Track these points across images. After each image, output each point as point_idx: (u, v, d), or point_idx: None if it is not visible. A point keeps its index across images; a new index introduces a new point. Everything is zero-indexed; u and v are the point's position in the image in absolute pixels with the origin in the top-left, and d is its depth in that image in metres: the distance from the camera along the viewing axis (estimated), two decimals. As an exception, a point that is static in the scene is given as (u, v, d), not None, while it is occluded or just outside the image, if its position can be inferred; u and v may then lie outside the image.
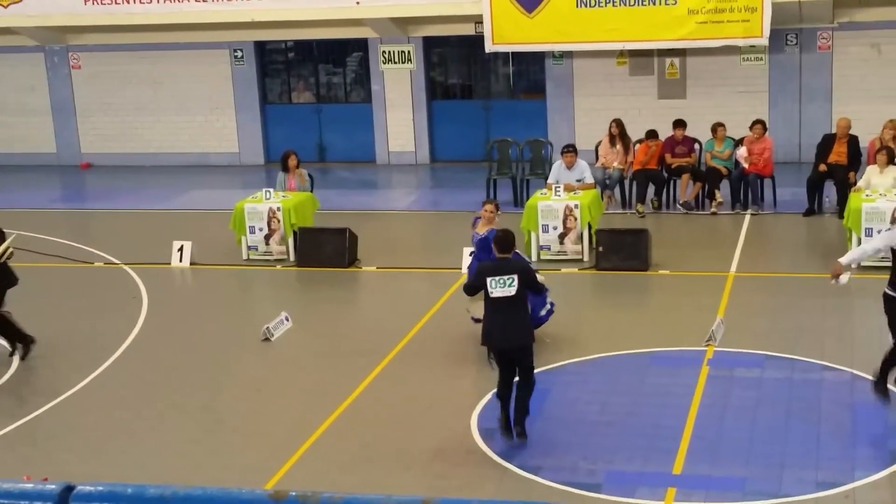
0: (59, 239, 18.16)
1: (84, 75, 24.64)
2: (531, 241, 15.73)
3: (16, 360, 12.65)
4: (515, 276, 9.89)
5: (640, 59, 21.83)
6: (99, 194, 22.39)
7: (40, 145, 25.12)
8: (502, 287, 9.88)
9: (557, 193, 16.00)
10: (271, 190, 16.68)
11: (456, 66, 24.13)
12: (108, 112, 24.66)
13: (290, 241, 16.35)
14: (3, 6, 23.02)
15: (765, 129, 18.26)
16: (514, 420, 10.07)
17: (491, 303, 10.01)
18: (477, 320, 11.41)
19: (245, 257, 16.47)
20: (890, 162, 16.07)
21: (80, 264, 16.81)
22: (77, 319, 14.25)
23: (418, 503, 1.80)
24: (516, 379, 10.14)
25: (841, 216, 15.79)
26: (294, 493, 1.82)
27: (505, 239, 10.21)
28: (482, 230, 12.20)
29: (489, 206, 12.42)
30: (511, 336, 10.00)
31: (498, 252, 10.20)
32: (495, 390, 10.27)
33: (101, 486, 1.87)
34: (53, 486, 1.89)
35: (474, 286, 10.32)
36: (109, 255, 17.06)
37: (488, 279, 9.94)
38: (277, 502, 1.84)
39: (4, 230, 12.65)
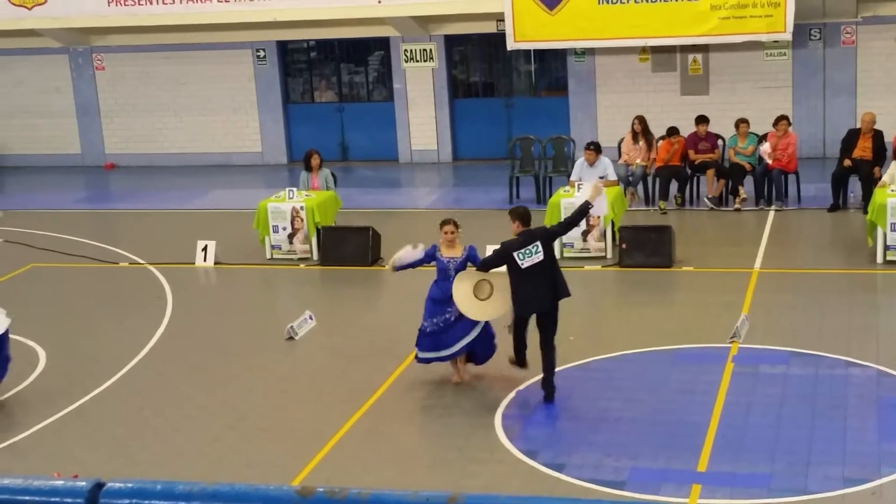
0: (84, 239, 18.27)
1: (108, 76, 24.77)
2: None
3: (42, 359, 12.73)
4: (539, 243, 10.68)
5: (662, 55, 21.78)
6: (123, 195, 22.51)
7: (65, 146, 25.27)
8: (531, 256, 10.65)
9: (580, 191, 15.98)
10: (294, 189, 16.73)
11: (478, 63, 24.13)
12: (131, 113, 24.78)
13: (314, 239, 16.39)
14: (28, 8, 23.17)
15: (789, 124, 18.19)
16: (545, 384, 10.92)
17: (523, 273, 10.66)
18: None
19: (269, 256, 16.53)
20: (915, 157, 15.98)
21: (105, 264, 16.90)
22: (102, 319, 14.32)
23: (445, 499, 1.80)
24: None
25: (866, 211, 15.71)
26: (321, 489, 1.83)
27: (526, 213, 10.96)
28: (456, 253, 11.33)
29: (449, 227, 11.34)
30: (554, 295, 10.81)
31: (522, 225, 10.84)
32: (516, 356, 11.12)
33: (130, 483, 1.90)
34: (84, 483, 1.91)
35: (494, 264, 10.96)
36: (134, 255, 17.15)
37: (515, 254, 10.65)
38: (305, 498, 1.85)
39: None
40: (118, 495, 1.90)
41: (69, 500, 1.88)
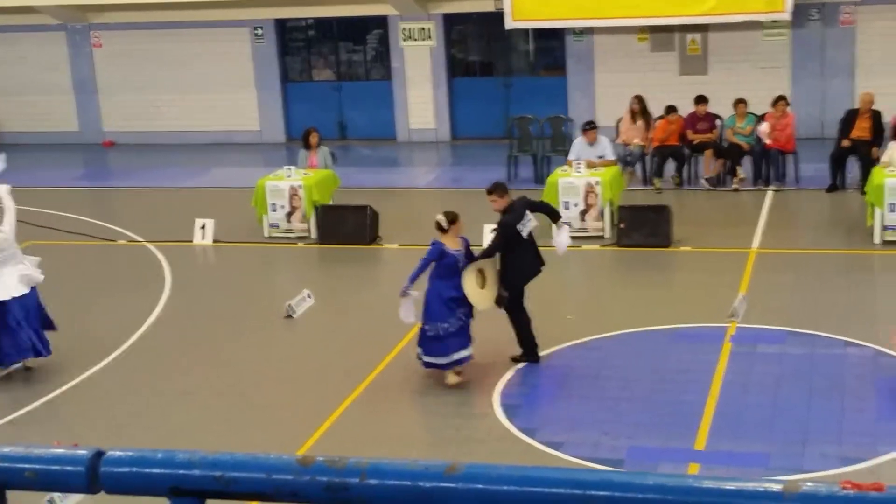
0: (82, 217, 18.25)
1: (105, 54, 24.70)
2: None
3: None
4: (527, 210, 11.06)
5: (661, 34, 21.71)
6: (121, 172, 22.48)
7: (63, 124, 25.21)
8: (527, 225, 11.02)
9: (578, 170, 15.97)
10: (293, 168, 16.71)
11: (476, 42, 24.06)
12: (129, 90, 24.72)
13: (312, 218, 16.37)
14: (25, -15, 23.08)
15: (787, 104, 18.16)
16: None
17: (524, 243, 11.01)
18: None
19: (267, 235, 16.52)
20: (914, 137, 15.96)
21: (103, 242, 16.89)
22: (100, 297, 14.33)
23: (444, 468, 1.81)
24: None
25: (864, 192, 15.71)
26: (321, 458, 1.84)
27: (504, 183, 11.49)
28: (457, 245, 10.86)
29: (460, 220, 10.95)
30: (541, 259, 11.25)
31: (508, 196, 11.15)
32: (532, 351, 11.17)
33: (130, 451, 1.90)
34: (84, 451, 1.91)
35: (502, 244, 11.02)
36: (132, 233, 17.14)
37: (518, 226, 10.92)
38: (305, 467, 1.85)
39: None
40: (118, 463, 1.90)
41: (70, 467, 1.89)
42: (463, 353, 10.77)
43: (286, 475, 1.90)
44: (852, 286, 13.31)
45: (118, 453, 1.91)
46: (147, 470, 1.88)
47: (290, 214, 16.42)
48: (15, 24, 24.49)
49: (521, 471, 1.89)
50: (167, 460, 1.88)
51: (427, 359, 10.84)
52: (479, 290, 10.90)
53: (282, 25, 24.11)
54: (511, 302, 11.04)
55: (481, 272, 10.93)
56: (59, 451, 1.93)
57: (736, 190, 17.86)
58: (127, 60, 24.55)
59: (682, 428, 9.71)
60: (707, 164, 18.30)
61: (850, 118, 17.70)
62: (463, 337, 10.75)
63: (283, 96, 24.25)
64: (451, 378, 10.87)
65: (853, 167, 17.58)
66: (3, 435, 10.23)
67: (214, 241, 16.46)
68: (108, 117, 25.02)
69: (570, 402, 10.49)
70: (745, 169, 18.03)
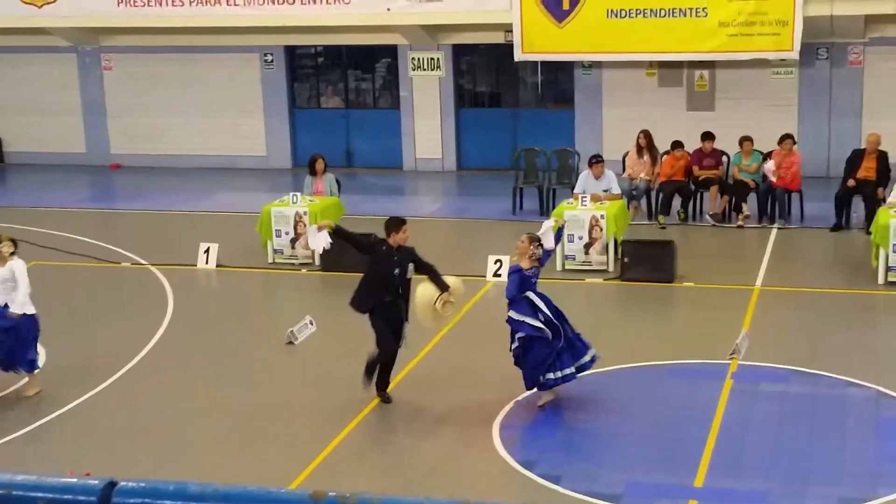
0: (86, 238, 18.28)
1: (115, 76, 24.80)
2: (556, 250, 15.72)
3: (42, 357, 12.72)
4: None
5: (669, 70, 21.81)
6: (127, 195, 22.53)
7: (70, 145, 25.29)
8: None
9: (584, 203, 16.00)
10: (298, 194, 16.75)
11: (484, 74, 24.17)
12: (138, 113, 24.81)
13: (317, 245, 16.38)
14: (37, 6, 23.22)
15: (794, 143, 18.21)
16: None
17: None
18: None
19: (271, 260, 16.54)
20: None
21: (107, 264, 16.91)
22: (103, 319, 14.34)
23: (453, 507, 1.82)
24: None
25: (868, 232, 15.73)
26: (333, 494, 1.85)
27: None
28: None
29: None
30: None
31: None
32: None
33: (143, 483, 1.92)
34: (96, 482, 1.93)
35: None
36: (136, 256, 17.16)
37: None
38: (317, 502, 1.87)
39: None
40: (131, 494, 1.92)
41: (82, 497, 1.90)
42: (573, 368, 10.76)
43: (297, 510, 1.92)
44: (855, 326, 13.31)
45: (131, 484, 1.93)
46: (159, 502, 1.90)
47: (294, 240, 16.45)
48: (26, 45, 24.60)
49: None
50: (179, 492, 1.90)
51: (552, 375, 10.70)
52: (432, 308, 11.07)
53: (291, 52, 24.22)
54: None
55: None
56: (72, 480, 1.94)
57: (741, 227, 17.89)
58: (136, 83, 24.65)
59: (681, 464, 9.70)
60: (712, 201, 18.35)
61: (857, 158, 17.74)
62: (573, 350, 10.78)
63: (291, 122, 24.34)
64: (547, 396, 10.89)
65: (858, 207, 17.61)
66: (1, 456, 10.22)
67: (218, 265, 16.48)
68: (116, 140, 25.10)
69: (570, 435, 10.49)
70: (750, 206, 18.06)
